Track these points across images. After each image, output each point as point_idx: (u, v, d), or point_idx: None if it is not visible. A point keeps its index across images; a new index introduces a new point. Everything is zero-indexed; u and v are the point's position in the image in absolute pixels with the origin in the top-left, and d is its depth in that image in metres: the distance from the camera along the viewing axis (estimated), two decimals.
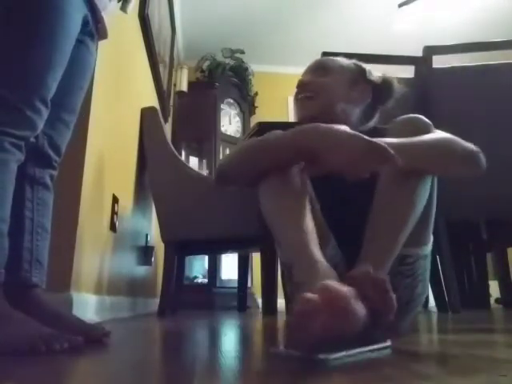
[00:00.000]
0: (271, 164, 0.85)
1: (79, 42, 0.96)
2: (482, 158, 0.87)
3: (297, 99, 1.06)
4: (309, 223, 0.82)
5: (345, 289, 0.59)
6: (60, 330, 0.76)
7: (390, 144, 0.79)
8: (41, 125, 0.83)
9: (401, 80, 1.21)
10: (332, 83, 1.04)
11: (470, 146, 0.87)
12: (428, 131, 0.89)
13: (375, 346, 0.62)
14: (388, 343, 0.65)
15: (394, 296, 0.65)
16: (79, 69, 0.99)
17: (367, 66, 1.12)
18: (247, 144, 0.94)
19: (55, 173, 0.99)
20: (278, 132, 0.87)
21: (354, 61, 1.12)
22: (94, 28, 1.01)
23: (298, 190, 0.85)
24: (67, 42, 0.87)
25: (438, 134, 0.89)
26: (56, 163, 0.98)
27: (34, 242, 0.91)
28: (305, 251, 0.76)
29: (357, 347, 0.59)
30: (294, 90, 1.09)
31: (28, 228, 0.91)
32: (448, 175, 0.91)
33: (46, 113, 0.84)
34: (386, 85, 1.10)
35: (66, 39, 0.86)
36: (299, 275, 0.76)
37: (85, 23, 0.94)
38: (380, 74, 1.13)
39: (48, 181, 0.97)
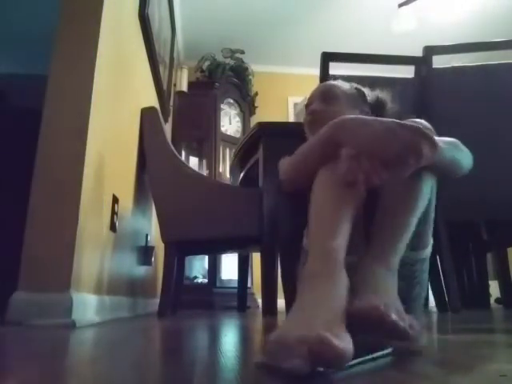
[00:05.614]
0: (319, 162, 0.87)
1: None
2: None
3: (309, 125, 1.14)
4: (342, 218, 0.77)
5: (341, 345, 0.50)
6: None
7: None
8: None
9: (399, 82, 1.23)
10: (341, 111, 1.11)
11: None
12: None
13: (378, 354, 0.60)
14: (389, 350, 0.63)
15: (407, 325, 0.61)
16: None
17: (365, 89, 1.21)
18: (297, 152, 1.01)
19: None
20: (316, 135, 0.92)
21: (354, 85, 1.20)
22: None
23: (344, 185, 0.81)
24: None
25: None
26: None
27: None
28: (323, 242, 0.73)
29: (359, 356, 0.55)
30: (304, 113, 1.16)
31: None
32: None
33: None
34: (379, 104, 1.20)
35: None
36: (313, 263, 0.72)
37: None
38: (376, 93, 1.21)
39: None
